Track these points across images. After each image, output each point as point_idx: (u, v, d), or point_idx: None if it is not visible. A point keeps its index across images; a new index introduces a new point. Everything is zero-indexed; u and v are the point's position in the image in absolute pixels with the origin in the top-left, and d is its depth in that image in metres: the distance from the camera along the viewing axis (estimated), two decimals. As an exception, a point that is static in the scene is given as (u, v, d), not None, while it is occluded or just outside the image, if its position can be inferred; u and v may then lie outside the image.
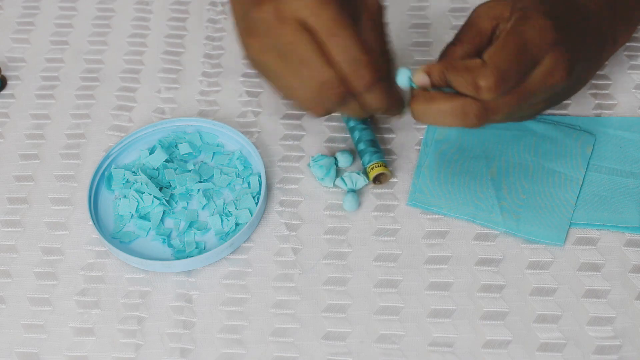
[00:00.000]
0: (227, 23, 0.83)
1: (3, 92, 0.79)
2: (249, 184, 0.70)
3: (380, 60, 0.64)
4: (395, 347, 0.63)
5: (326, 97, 0.63)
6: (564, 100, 0.70)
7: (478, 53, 0.65)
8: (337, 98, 0.64)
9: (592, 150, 0.71)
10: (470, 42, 0.66)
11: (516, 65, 0.63)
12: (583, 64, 0.67)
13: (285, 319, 0.64)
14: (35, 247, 0.69)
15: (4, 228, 0.70)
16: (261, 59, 0.64)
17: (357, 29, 0.62)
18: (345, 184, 0.69)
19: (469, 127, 0.64)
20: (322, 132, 0.74)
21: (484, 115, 0.63)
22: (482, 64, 0.62)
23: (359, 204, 0.69)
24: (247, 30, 0.64)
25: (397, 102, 0.67)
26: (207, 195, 0.70)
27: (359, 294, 0.65)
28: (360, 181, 0.69)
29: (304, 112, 0.70)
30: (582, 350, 0.62)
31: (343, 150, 0.72)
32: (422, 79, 0.64)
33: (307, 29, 0.62)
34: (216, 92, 0.78)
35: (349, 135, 0.74)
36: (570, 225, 0.67)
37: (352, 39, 0.62)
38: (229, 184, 0.71)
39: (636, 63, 0.77)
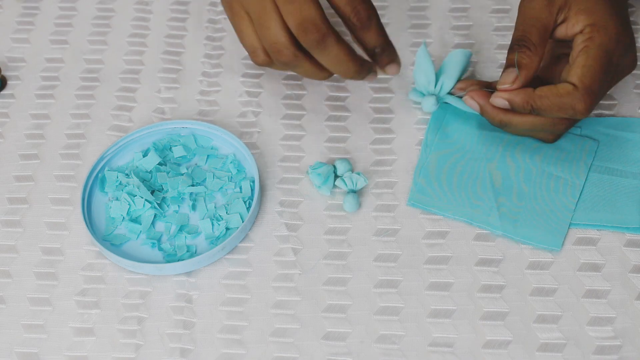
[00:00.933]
0: (227, 23, 0.83)
1: (3, 92, 0.79)
2: (240, 188, 0.70)
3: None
4: (395, 347, 0.63)
5: (310, 34, 0.66)
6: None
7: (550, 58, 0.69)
8: (287, 59, 0.68)
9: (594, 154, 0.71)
10: (541, 42, 0.66)
11: (607, 85, 0.66)
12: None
13: (285, 319, 0.64)
14: (35, 247, 0.69)
15: (4, 228, 0.70)
16: (233, 5, 0.70)
17: None
18: (346, 184, 0.69)
19: (558, 134, 0.69)
20: (322, 132, 0.74)
21: (574, 121, 0.68)
22: (573, 89, 0.64)
23: (359, 205, 0.69)
24: None
25: (355, 66, 0.68)
26: (199, 199, 0.70)
27: (359, 294, 0.65)
28: (361, 182, 0.69)
29: (268, 61, 0.71)
30: (582, 351, 0.62)
31: (342, 159, 0.71)
32: (499, 103, 0.67)
33: None
34: (216, 92, 0.78)
35: (348, 135, 0.74)
36: (570, 225, 0.67)
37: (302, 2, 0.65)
38: (221, 187, 0.71)
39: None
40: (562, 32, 0.67)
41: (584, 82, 0.64)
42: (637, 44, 0.76)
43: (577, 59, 0.65)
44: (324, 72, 0.70)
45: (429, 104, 0.73)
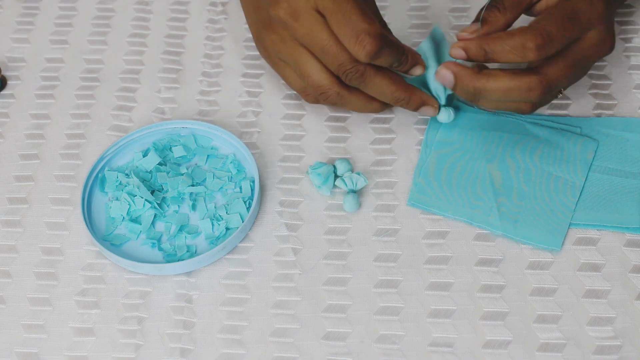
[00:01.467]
0: (227, 23, 0.83)
1: (3, 92, 0.79)
2: (240, 188, 0.70)
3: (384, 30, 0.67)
4: (395, 347, 0.63)
5: (323, 97, 0.69)
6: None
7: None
8: (332, 99, 0.69)
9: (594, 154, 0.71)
10: (514, 8, 0.67)
11: (563, 31, 0.65)
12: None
13: (285, 319, 0.64)
14: (35, 247, 0.69)
15: (4, 228, 0.70)
16: (279, 50, 0.70)
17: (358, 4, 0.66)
18: (346, 184, 0.69)
19: (533, 101, 0.66)
20: (323, 132, 0.74)
21: (548, 89, 0.66)
22: (526, 28, 0.65)
23: (359, 205, 0.69)
24: (264, 25, 0.71)
25: (401, 92, 0.69)
26: (199, 199, 0.70)
27: (359, 294, 0.65)
28: (361, 182, 0.69)
29: (318, 100, 0.71)
30: (582, 351, 0.62)
31: (342, 159, 0.71)
32: (457, 53, 0.66)
33: (321, 17, 0.66)
34: (216, 92, 0.78)
35: (348, 135, 0.74)
36: (570, 225, 0.67)
37: (351, 14, 0.65)
38: (221, 187, 0.71)
39: (636, 63, 0.77)
40: (542, 6, 0.68)
41: (539, 22, 0.65)
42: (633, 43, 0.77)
43: (546, 9, 0.67)
44: (373, 103, 0.71)
45: (445, 116, 0.72)
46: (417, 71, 0.69)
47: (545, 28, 0.64)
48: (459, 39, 0.67)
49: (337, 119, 0.75)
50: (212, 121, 0.75)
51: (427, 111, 0.71)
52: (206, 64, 0.80)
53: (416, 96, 0.70)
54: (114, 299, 0.66)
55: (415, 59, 0.69)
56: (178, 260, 0.66)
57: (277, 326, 0.64)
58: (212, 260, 0.67)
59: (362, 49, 0.65)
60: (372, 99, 0.70)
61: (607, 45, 0.68)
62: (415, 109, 0.70)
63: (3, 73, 0.80)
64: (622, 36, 0.79)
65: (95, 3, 0.85)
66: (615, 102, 0.75)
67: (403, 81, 0.69)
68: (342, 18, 0.65)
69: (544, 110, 0.74)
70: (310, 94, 0.71)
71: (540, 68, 0.66)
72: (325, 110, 0.76)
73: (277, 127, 0.75)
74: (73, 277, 0.67)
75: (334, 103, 0.70)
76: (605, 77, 0.76)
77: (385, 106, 0.72)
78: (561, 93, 0.69)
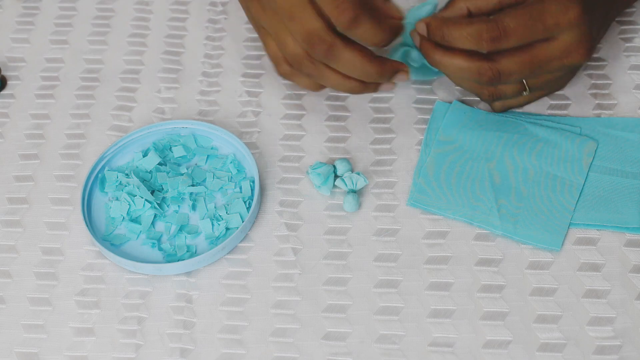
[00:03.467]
0: (227, 23, 0.83)
1: (3, 92, 0.79)
2: (240, 188, 0.70)
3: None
4: (395, 347, 0.63)
5: (316, 47, 0.66)
6: (575, 72, 0.73)
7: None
8: (308, 69, 0.68)
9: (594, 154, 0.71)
10: None
11: (522, 28, 0.65)
12: (597, 37, 0.71)
13: (285, 319, 0.64)
14: (35, 247, 0.69)
15: (4, 228, 0.70)
16: (260, 17, 0.70)
17: None
18: (346, 184, 0.69)
19: (482, 84, 0.67)
20: (323, 132, 0.74)
21: (497, 77, 0.66)
22: (486, 19, 0.65)
23: (359, 205, 0.69)
24: None
25: (374, 66, 0.68)
26: (199, 199, 0.70)
27: (359, 294, 0.65)
28: (361, 181, 0.69)
29: (292, 73, 0.71)
30: (582, 351, 0.62)
31: (342, 159, 0.71)
32: (420, 28, 0.68)
33: None
34: (216, 92, 0.78)
35: (348, 135, 0.74)
36: (570, 225, 0.67)
37: None
38: (221, 187, 0.71)
39: (636, 63, 0.77)
40: None
41: (501, 16, 0.65)
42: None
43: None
44: (350, 81, 0.70)
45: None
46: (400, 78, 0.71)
47: (504, 22, 0.65)
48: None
49: (337, 119, 0.75)
50: (212, 121, 0.75)
51: (400, 77, 0.70)
52: (206, 64, 0.80)
53: (387, 66, 0.69)
54: (114, 299, 0.66)
55: (394, 31, 0.69)
56: (178, 260, 0.66)
57: (277, 326, 0.64)
58: (212, 260, 0.67)
59: (340, 13, 0.65)
60: (348, 77, 0.69)
61: (580, 52, 0.67)
62: (389, 80, 0.70)
63: (3, 73, 0.80)
64: (622, 36, 0.79)
65: (95, 3, 0.85)
66: (615, 102, 0.75)
67: (373, 54, 0.68)
68: None
69: (544, 110, 0.74)
70: (283, 64, 0.71)
71: (494, 56, 0.67)
72: (325, 110, 0.76)
73: (277, 127, 0.75)
74: (73, 277, 0.67)
75: (310, 74, 0.69)
76: (605, 77, 0.76)
77: (364, 87, 0.70)
78: (525, 90, 0.70)
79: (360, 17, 0.65)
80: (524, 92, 0.70)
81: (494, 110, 0.73)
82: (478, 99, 0.75)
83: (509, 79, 0.67)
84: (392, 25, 0.69)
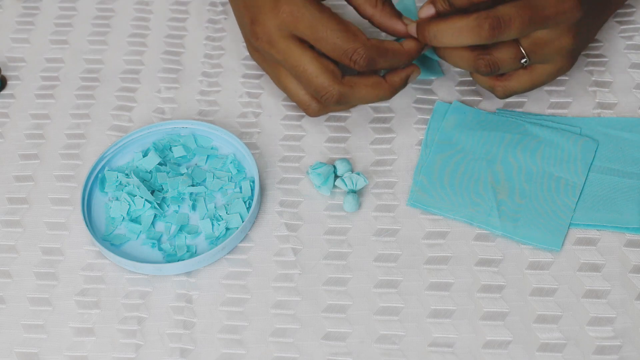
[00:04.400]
0: (227, 23, 0.83)
1: (3, 92, 0.79)
2: (240, 188, 0.70)
3: (368, 41, 0.68)
4: (395, 347, 0.63)
5: (327, 99, 0.69)
6: (573, 62, 0.71)
7: None
8: (335, 97, 0.69)
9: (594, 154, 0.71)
10: None
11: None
12: (589, 20, 0.71)
13: (285, 319, 0.64)
14: (35, 247, 0.69)
15: (4, 228, 0.70)
16: (264, 66, 0.73)
17: (337, 18, 0.67)
18: (346, 184, 0.69)
19: (485, 42, 0.67)
20: (323, 132, 0.74)
21: (498, 26, 0.66)
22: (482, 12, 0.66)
23: (359, 205, 0.69)
24: (249, 46, 0.74)
25: (384, 91, 0.70)
26: (199, 199, 0.70)
27: (359, 294, 0.65)
28: (361, 182, 0.69)
29: (319, 110, 0.72)
30: (582, 351, 0.62)
31: (342, 159, 0.71)
32: (427, 11, 0.68)
33: (298, 41, 0.68)
34: (216, 92, 0.78)
35: (348, 135, 0.74)
36: (570, 225, 0.67)
37: (333, 37, 0.67)
38: (221, 187, 0.71)
39: (636, 62, 0.77)
40: None
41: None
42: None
43: None
44: (375, 95, 0.71)
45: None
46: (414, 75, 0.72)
47: (487, 14, 0.65)
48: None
49: (337, 119, 0.75)
50: (212, 121, 0.75)
51: (413, 77, 0.72)
52: (206, 64, 0.80)
53: (397, 82, 0.71)
54: (114, 299, 0.66)
55: (414, 52, 0.70)
56: (178, 260, 0.66)
57: (277, 326, 0.64)
58: (212, 260, 0.67)
59: (355, 64, 0.67)
60: (374, 89, 0.70)
61: (572, 1, 0.67)
62: (404, 86, 0.72)
63: (3, 73, 0.80)
64: (622, 35, 0.79)
65: (95, 3, 0.85)
66: (615, 102, 0.75)
67: (379, 78, 0.70)
68: (325, 44, 0.67)
69: (545, 110, 0.74)
70: (313, 104, 0.72)
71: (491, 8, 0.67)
72: (325, 110, 0.76)
73: (277, 127, 0.75)
74: (73, 277, 0.67)
75: (338, 102, 0.70)
76: (605, 76, 0.76)
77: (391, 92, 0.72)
78: (524, 58, 0.69)
79: (374, 60, 0.68)
80: (523, 61, 0.69)
81: (497, 96, 0.72)
82: (478, 98, 0.75)
83: (509, 28, 0.66)
84: (409, 49, 0.70)
